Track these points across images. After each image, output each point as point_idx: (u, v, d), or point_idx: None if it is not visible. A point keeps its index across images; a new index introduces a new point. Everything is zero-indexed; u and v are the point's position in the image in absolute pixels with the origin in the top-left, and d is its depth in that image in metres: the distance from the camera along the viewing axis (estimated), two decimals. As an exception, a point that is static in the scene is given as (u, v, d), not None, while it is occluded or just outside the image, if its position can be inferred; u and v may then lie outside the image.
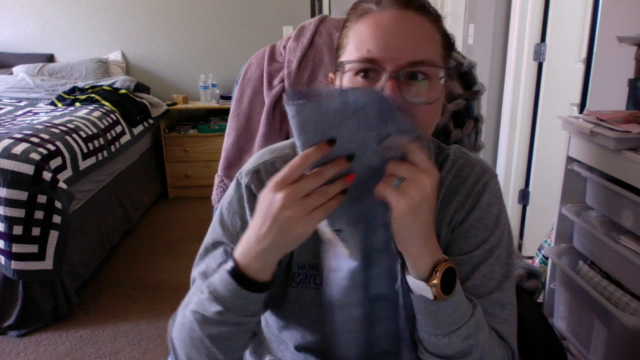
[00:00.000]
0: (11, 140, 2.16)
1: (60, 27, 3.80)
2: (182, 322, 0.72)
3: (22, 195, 2.02)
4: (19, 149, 2.11)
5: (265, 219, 0.60)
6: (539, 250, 1.89)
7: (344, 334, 0.74)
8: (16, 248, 2.03)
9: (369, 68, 0.66)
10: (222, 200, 0.80)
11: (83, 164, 2.45)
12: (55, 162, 2.21)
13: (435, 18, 0.69)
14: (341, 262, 0.70)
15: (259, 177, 0.77)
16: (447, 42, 0.71)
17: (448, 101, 1.12)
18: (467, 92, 1.14)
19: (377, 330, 0.73)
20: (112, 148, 2.84)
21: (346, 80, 0.68)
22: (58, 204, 2.10)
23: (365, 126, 0.57)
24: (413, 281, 0.65)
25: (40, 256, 2.07)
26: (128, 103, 3.28)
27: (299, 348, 0.82)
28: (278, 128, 1.20)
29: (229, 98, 3.65)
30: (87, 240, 2.46)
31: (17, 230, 2.02)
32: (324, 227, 0.67)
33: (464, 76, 1.15)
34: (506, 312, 0.73)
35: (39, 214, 2.05)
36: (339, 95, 0.58)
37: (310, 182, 0.58)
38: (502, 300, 0.73)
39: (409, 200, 0.58)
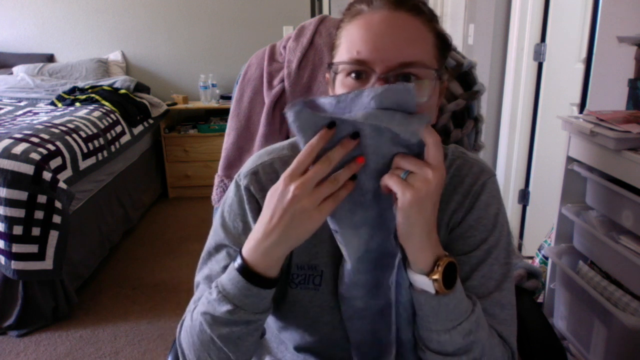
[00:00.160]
0: (11, 140, 2.16)
1: (60, 27, 3.80)
2: (191, 325, 0.72)
3: (22, 195, 2.02)
4: (19, 149, 2.11)
5: (275, 212, 0.61)
6: (539, 250, 1.89)
7: (347, 320, 0.75)
8: (16, 248, 2.03)
9: (359, 69, 0.66)
10: (222, 203, 0.80)
11: (83, 164, 2.45)
12: (55, 162, 2.21)
13: (429, 18, 0.69)
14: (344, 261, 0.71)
15: (258, 178, 0.77)
16: (442, 42, 0.71)
17: (448, 101, 1.12)
18: (467, 92, 1.14)
19: (379, 325, 0.73)
20: (112, 148, 2.85)
21: (338, 81, 0.69)
22: (58, 204, 2.10)
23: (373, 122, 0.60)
24: (414, 276, 0.66)
25: (40, 256, 2.07)
26: (128, 103, 3.28)
27: (298, 348, 0.82)
28: (278, 128, 1.20)
29: (229, 98, 3.65)
30: (87, 240, 2.46)
31: (17, 230, 2.02)
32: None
33: (464, 76, 1.15)
34: (506, 312, 0.74)
35: (39, 214, 2.05)
36: (336, 103, 0.62)
37: (319, 169, 0.60)
38: (502, 300, 0.73)
39: (414, 193, 0.59)
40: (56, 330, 2.13)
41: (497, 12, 2.65)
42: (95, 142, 2.66)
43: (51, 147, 2.25)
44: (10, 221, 2.01)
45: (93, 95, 3.22)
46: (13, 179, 2.01)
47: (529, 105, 2.53)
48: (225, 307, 0.66)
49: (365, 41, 0.66)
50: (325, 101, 0.63)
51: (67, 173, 2.29)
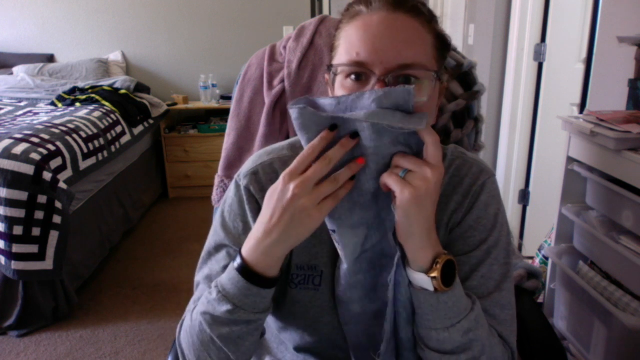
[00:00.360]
0: (11, 140, 2.16)
1: (60, 27, 3.80)
2: (190, 325, 0.71)
3: (22, 195, 2.02)
4: (19, 149, 2.11)
5: (275, 210, 0.62)
6: (539, 250, 1.89)
7: (344, 325, 0.75)
8: (16, 248, 2.03)
9: (358, 71, 0.66)
10: (222, 203, 0.80)
11: (83, 164, 2.45)
12: (55, 162, 2.21)
13: (428, 19, 0.69)
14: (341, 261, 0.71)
15: (257, 178, 0.77)
16: (441, 42, 0.71)
17: (448, 101, 1.12)
18: (467, 92, 1.14)
19: (375, 328, 0.74)
20: (112, 148, 2.85)
21: (338, 82, 0.69)
22: (58, 204, 2.10)
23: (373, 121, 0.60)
24: (413, 273, 0.66)
25: (40, 256, 2.07)
26: (128, 103, 3.28)
27: (298, 349, 0.82)
28: (278, 128, 1.20)
29: (229, 98, 3.65)
30: (87, 240, 2.46)
31: (17, 230, 2.02)
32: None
33: (464, 76, 1.15)
34: (505, 312, 0.74)
35: (39, 214, 2.05)
36: (336, 104, 0.62)
37: (319, 168, 0.60)
38: (501, 300, 0.73)
39: (413, 191, 0.60)
40: (56, 330, 2.13)
41: (497, 12, 2.65)
42: (95, 142, 2.66)
43: (51, 147, 2.25)
44: (10, 221, 2.01)
45: (93, 95, 3.22)
46: (13, 179, 2.01)
47: (529, 105, 2.53)
48: (224, 307, 0.66)
49: (364, 43, 0.66)
50: (325, 102, 0.63)
51: (67, 173, 2.29)
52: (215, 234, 0.79)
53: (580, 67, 2.01)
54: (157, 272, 2.63)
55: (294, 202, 0.60)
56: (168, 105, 3.71)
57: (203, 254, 0.80)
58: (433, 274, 0.64)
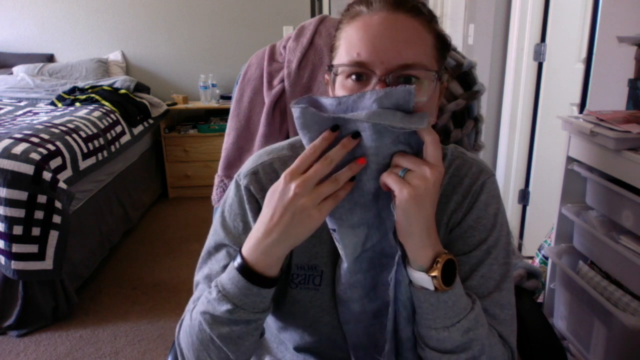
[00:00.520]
0: (11, 140, 2.16)
1: (60, 27, 3.80)
2: (190, 325, 0.71)
3: (22, 195, 2.02)
4: (19, 149, 2.11)
5: (276, 210, 0.62)
6: (539, 250, 1.89)
7: (344, 324, 0.75)
8: (16, 248, 2.03)
9: (359, 72, 0.66)
10: (223, 203, 0.80)
11: (83, 164, 2.45)
12: (55, 162, 2.21)
13: (428, 19, 0.69)
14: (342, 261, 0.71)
15: (258, 178, 0.77)
16: (442, 42, 0.71)
17: (448, 101, 1.12)
18: (467, 92, 1.14)
19: (375, 328, 0.74)
20: (112, 148, 2.85)
21: (338, 83, 0.69)
22: (58, 204, 2.10)
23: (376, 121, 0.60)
24: (414, 273, 0.66)
25: (40, 256, 2.06)
26: (128, 103, 3.28)
27: (298, 349, 0.82)
28: (278, 128, 1.20)
29: (229, 98, 3.65)
30: (87, 240, 2.46)
31: (17, 230, 2.02)
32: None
33: (464, 76, 1.15)
34: (505, 312, 0.74)
35: (39, 214, 2.05)
36: (338, 104, 0.63)
37: (320, 168, 0.61)
38: (501, 300, 0.73)
39: (412, 190, 0.60)
40: (56, 330, 2.13)
41: (497, 12, 2.65)
42: (95, 142, 2.66)
43: (51, 147, 2.25)
44: (10, 221, 2.01)
45: (93, 95, 3.22)
46: (13, 179, 2.01)
47: (529, 105, 2.53)
48: (224, 307, 0.66)
49: (365, 43, 0.66)
50: (327, 102, 0.63)
51: (67, 173, 2.29)
52: (215, 234, 0.79)
53: (580, 67, 2.01)
54: (157, 272, 2.63)
55: (295, 202, 0.61)
56: (168, 105, 3.71)
57: (203, 253, 0.80)
58: (433, 274, 0.64)
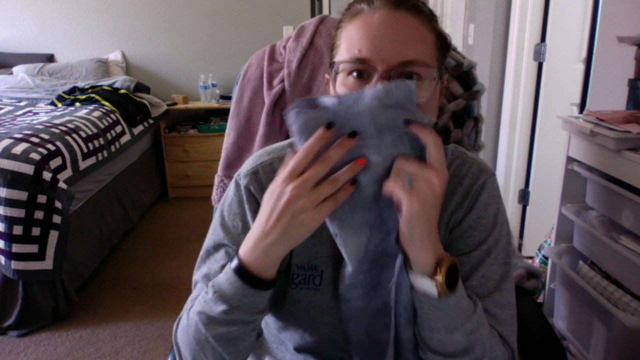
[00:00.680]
0: (11, 140, 2.16)
1: (60, 27, 3.80)
2: (187, 325, 0.71)
3: (22, 195, 2.02)
4: (19, 149, 2.11)
5: (273, 211, 0.61)
6: (539, 250, 1.89)
7: (346, 322, 0.75)
8: (16, 248, 2.03)
9: (360, 68, 0.66)
10: (222, 202, 0.80)
11: (83, 164, 2.45)
12: (55, 162, 2.21)
13: (429, 18, 0.69)
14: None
15: (258, 178, 0.77)
16: (442, 42, 0.71)
17: (448, 101, 1.12)
18: (467, 92, 1.14)
19: (377, 326, 0.73)
20: (112, 148, 2.85)
21: (339, 81, 0.68)
22: (58, 204, 2.10)
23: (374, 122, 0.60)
24: (416, 277, 0.65)
25: (40, 256, 2.06)
26: (128, 103, 3.28)
27: (298, 349, 0.82)
28: (278, 128, 1.20)
29: (229, 98, 3.65)
30: (87, 240, 2.46)
31: (17, 230, 2.02)
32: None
33: (464, 76, 1.15)
34: (506, 312, 0.73)
35: (39, 214, 2.05)
36: (336, 104, 0.61)
37: (318, 169, 0.59)
38: (502, 300, 0.73)
39: (421, 199, 0.59)
40: (56, 330, 2.13)
41: (497, 12, 2.65)
42: (95, 142, 2.66)
43: (51, 147, 2.25)
44: (10, 221, 2.01)
45: (93, 95, 3.22)
46: (13, 179, 2.01)
47: (529, 105, 2.53)
48: (221, 307, 0.66)
49: (366, 40, 0.66)
50: (327, 100, 0.62)
51: (67, 173, 2.29)
52: (214, 233, 0.79)
53: (580, 67, 2.01)
54: (157, 272, 2.63)
55: (293, 204, 0.59)
56: (168, 105, 3.71)
57: (202, 252, 0.79)
58: (437, 279, 0.63)
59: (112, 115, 3.04)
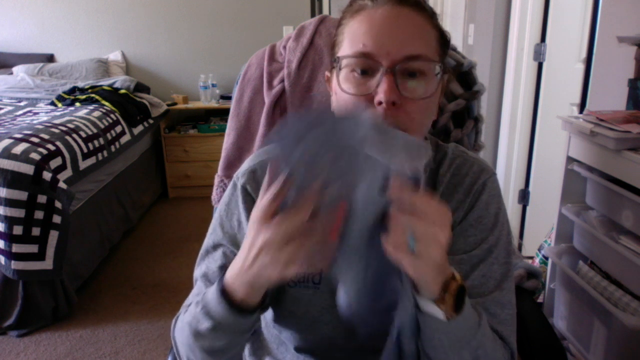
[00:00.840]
0: (11, 140, 2.16)
1: (60, 27, 3.80)
2: (181, 328, 0.72)
3: (22, 195, 2.02)
4: (19, 149, 2.11)
5: (249, 253, 0.58)
6: (539, 250, 1.89)
7: (347, 322, 0.73)
8: (16, 248, 2.03)
9: (365, 64, 0.66)
10: (221, 202, 0.80)
11: (83, 164, 2.45)
12: (55, 162, 2.21)
13: (430, 15, 0.70)
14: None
15: (255, 177, 0.77)
16: (443, 38, 0.72)
17: (448, 101, 1.12)
18: (467, 92, 1.14)
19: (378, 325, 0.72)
20: (112, 148, 2.85)
21: (343, 76, 0.68)
22: (58, 204, 2.10)
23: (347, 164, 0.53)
24: (422, 301, 0.62)
25: (40, 256, 2.06)
26: (128, 103, 3.28)
27: (298, 349, 0.81)
28: (278, 128, 1.20)
29: (229, 98, 3.65)
30: (87, 240, 2.46)
31: (17, 230, 2.02)
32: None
33: (464, 76, 1.15)
34: (506, 311, 0.73)
35: (39, 214, 2.05)
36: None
37: (288, 223, 0.54)
38: (502, 300, 0.73)
39: (430, 263, 0.55)
40: (56, 330, 2.13)
41: (497, 12, 2.65)
42: (95, 142, 2.66)
43: (51, 147, 2.25)
44: (10, 221, 2.01)
45: (93, 95, 3.22)
46: (13, 179, 2.01)
47: (529, 105, 2.53)
48: (206, 324, 0.66)
49: (370, 35, 0.66)
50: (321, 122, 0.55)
51: (67, 173, 2.29)
52: (213, 232, 0.79)
53: (580, 67, 2.01)
54: (157, 272, 2.63)
55: (260, 257, 0.57)
56: (168, 105, 3.71)
57: (202, 251, 0.80)
58: (445, 305, 0.60)
59: (112, 115, 3.04)
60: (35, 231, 2.05)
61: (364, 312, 0.65)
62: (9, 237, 2.02)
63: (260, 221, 0.56)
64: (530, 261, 1.88)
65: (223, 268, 0.75)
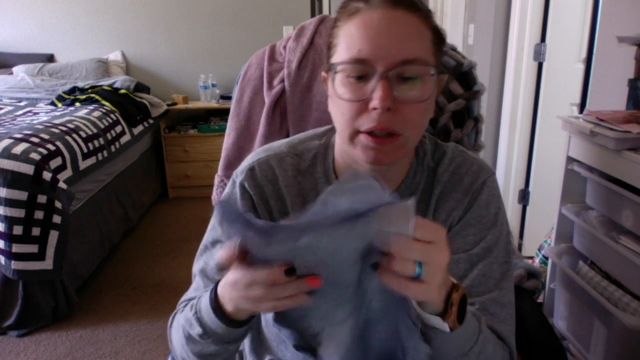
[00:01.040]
0: (11, 140, 2.16)
1: (60, 27, 3.80)
2: (177, 328, 0.74)
3: (22, 195, 2.02)
4: (19, 149, 2.11)
5: (227, 280, 0.61)
6: (539, 250, 1.89)
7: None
8: (16, 248, 2.03)
9: (360, 69, 0.65)
10: (221, 199, 0.81)
11: (83, 164, 2.45)
12: (55, 162, 2.21)
13: (425, 15, 0.69)
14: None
15: (253, 174, 0.78)
16: (438, 37, 0.71)
17: (448, 101, 1.12)
18: (467, 92, 1.14)
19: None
20: (112, 148, 2.85)
21: (338, 81, 0.68)
22: (58, 204, 2.10)
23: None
24: (425, 314, 0.61)
25: (40, 256, 2.07)
26: (128, 103, 3.28)
27: (298, 347, 0.82)
28: (278, 128, 1.20)
29: (229, 98, 3.65)
30: (87, 240, 2.46)
31: (17, 230, 2.02)
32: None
33: (464, 76, 1.14)
34: (505, 311, 0.73)
35: (39, 214, 2.05)
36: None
37: (255, 272, 0.56)
38: (502, 299, 0.73)
39: (434, 288, 0.54)
40: (56, 330, 2.13)
41: (497, 12, 2.65)
42: (95, 142, 2.66)
43: (51, 147, 2.25)
44: (10, 221, 2.01)
45: (93, 95, 3.22)
46: (13, 179, 2.01)
47: (529, 105, 2.53)
48: (197, 329, 0.67)
49: (366, 40, 0.65)
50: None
51: (67, 173, 2.29)
52: (212, 229, 0.80)
53: (580, 67, 2.01)
54: (157, 272, 2.63)
55: (234, 290, 0.60)
56: (168, 105, 3.71)
57: (201, 246, 0.81)
58: (449, 318, 0.59)
59: (112, 115, 3.04)
60: (35, 231, 2.05)
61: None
62: (9, 237, 2.02)
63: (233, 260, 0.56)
64: (530, 261, 1.88)
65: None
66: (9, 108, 3.12)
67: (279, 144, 0.81)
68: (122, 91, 3.40)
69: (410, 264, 0.51)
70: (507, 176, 2.69)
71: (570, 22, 2.28)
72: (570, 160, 1.46)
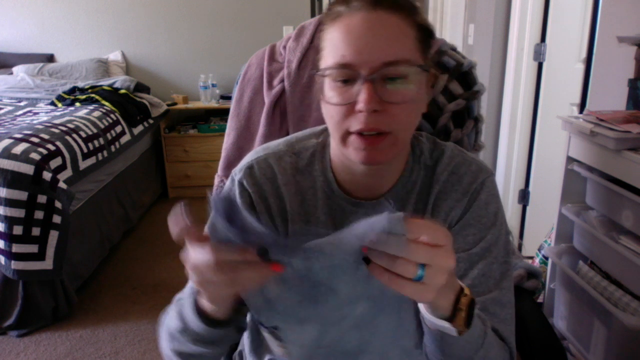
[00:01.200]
0: (11, 140, 2.16)
1: (60, 27, 3.80)
2: (163, 323, 0.74)
3: (22, 195, 2.02)
4: (19, 149, 2.11)
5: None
6: (539, 250, 1.89)
7: None
8: (16, 248, 2.03)
9: (345, 73, 0.66)
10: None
11: (83, 164, 2.45)
12: (55, 162, 2.21)
13: (408, 12, 0.68)
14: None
15: (252, 172, 0.78)
16: (425, 33, 0.70)
17: (448, 101, 1.12)
18: (467, 92, 1.14)
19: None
20: (112, 148, 2.85)
21: (327, 85, 0.68)
22: (58, 204, 2.10)
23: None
24: (432, 319, 0.61)
25: (40, 256, 2.06)
26: (128, 103, 3.28)
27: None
28: (278, 128, 1.20)
29: (229, 98, 3.65)
30: (87, 240, 2.46)
31: (17, 230, 2.02)
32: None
33: (464, 76, 1.14)
34: (505, 311, 0.74)
35: (39, 214, 2.05)
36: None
37: (218, 253, 0.58)
38: (502, 299, 0.73)
39: (432, 290, 0.54)
40: (56, 330, 2.13)
41: (497, 12, 2.65)
42: (95, 142, 2.66)
43: (51, 147, 2.25)
44: (10, 221, 2.01)
45: (93, 95, 3.22)
46: (13, 179, 2.01)
47: (529, 105, 2.53)
48: (177, 323, 0.67)
49: (347, 44, 0.65)
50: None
51: (67, 173, 2.29)
52: (210, 227, 0.80)
53: (580, 67, 2.01)
54: (157, 272, 2.63)
55: (193, 275, 0.61)
56: (168, 105, 3.71)
57: None
58: (458, 322, 0.59)
59: (112, 115, 3.04)
60: (35, 231, 2.05)
61: None
62: (9, 237, 2.02)
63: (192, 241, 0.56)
64: (530, 261, 1.88)
65: None
66: (9, 108, 3.12)
67: (278, 142, 0.82)
68: (122, 91, 3.40)
69: (412, 266, 0.51)
70: (507, 176, 2.69)
71: (570, 22, 2.28)
72: (570, 160, 1.46)
